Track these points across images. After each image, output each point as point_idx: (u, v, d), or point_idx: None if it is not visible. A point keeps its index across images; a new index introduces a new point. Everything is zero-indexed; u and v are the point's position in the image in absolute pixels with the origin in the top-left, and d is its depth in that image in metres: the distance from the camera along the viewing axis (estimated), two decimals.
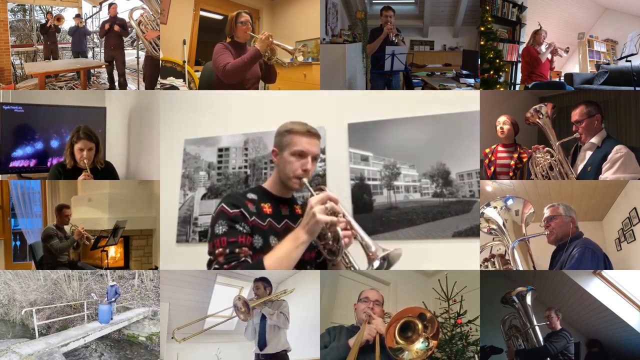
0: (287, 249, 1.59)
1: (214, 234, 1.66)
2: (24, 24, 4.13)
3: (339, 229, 1.59)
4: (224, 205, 1.70)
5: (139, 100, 4.00)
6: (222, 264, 1.61)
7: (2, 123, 3.47)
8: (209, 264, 1.68)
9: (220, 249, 1.63)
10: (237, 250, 1.63)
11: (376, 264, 1.56)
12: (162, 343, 3.20)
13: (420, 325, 2.11)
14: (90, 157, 3.07)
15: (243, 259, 1.62)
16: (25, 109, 3.55)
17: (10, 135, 3.51)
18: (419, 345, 2.09)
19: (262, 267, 1.58)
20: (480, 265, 2.72)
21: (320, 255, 1.85)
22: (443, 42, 5.42)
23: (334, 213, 1.59)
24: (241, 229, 1.66)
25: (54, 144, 3.67)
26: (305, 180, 1.73)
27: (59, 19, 4.11)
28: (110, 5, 3.97)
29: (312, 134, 1.77)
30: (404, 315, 2.13)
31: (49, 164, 3.65)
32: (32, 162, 3.61)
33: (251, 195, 1.78)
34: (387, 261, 1.57)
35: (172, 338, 2.87)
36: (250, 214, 1.71)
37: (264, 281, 2.81)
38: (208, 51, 3.14)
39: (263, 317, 2.71)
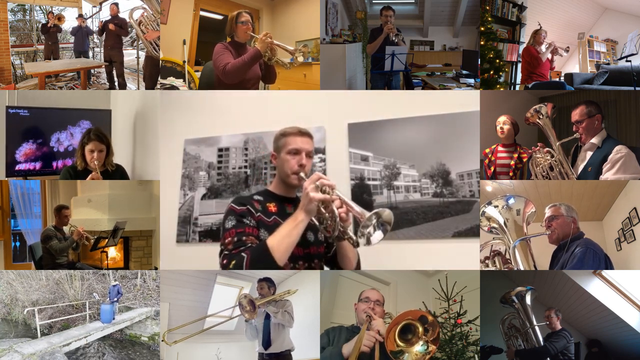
0: (287, 228, 1.74)
1: (225, 228, 1.84)
2: (24, 24, 4.13)
3: (334, 206, 1.72)
4: (233, 204, 1.90)
5: (141, 101, 4.00)
6: (231, 249, 1.76)
7: (8, 127, 3.49)
8: (220, 254, 1.81)
9: (229, 239, 1.80)
10: (244, 238, 1.79)
11: (369, 224, 1.64)
12: (162, 343, 3.20)
13: (420, 328, 2.10)
14: (100, 158, 3.05)
15: (250, 245, 1.77)
16: (30, 112, 3.56)
17: (16, 138, 3.53)
18: (418, 347, 2.08)
19: (265, 248, 1.69)
20: (481, 264, 2.72)
21: (330, 249, 1.99)
22: (443, 42, 5.41)
23: (327, 192, 1.73)
24: (248, 222, 1.84)
25: (60, 146, 3.68)
26: (302, 174, 1.88)
27: (60, 18, 4.11)
28: (111, 4, 3.96)
29: (304, 133, 1.94)
30: (404, 318, 2.12)
31: (54, 166, 3.66)
32: (38, 165, 3.63)
33: (257, 197, 1.96)
34: (380, 218, 1.65)
35: (162, 341, 2.84)
36: (256, 211, 1.89)
37: (268, 281, 2.80)
38: (208, 51, 3.14)
39: (267, 317, 2.69)
